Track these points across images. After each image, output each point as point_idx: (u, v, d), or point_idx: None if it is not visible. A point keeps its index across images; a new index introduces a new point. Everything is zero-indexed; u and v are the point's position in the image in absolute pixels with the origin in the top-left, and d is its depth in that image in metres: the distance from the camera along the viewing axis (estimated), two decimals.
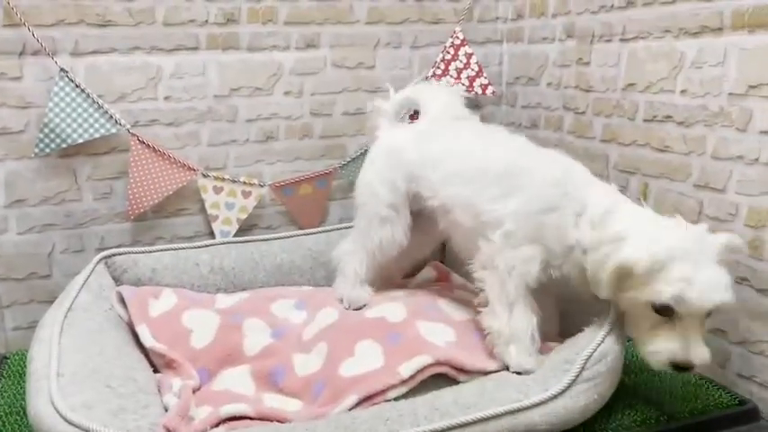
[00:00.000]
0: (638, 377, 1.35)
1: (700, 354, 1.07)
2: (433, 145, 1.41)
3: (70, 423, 0.91)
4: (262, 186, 1.77)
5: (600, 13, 1.59)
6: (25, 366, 1.48)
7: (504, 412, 1.05)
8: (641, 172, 1.52)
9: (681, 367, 1.08)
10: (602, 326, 1.17)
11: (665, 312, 1.07)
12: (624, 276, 1.10)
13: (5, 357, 1.57)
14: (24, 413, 1.28)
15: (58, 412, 0.93)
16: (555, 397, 1.09)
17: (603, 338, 1.14)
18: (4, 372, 1.49)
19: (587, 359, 1.11)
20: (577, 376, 1.10)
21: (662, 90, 1.44)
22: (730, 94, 1.29)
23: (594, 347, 1.13)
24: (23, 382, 1.41)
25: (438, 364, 1.22)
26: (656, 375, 1.36)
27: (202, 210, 1.76)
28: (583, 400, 1.10)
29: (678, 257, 1.05)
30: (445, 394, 1.13)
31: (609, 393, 1.16)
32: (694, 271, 1.05)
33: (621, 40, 1.54)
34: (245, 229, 1.79)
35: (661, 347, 1.09)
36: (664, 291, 1.05)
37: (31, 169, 1.60)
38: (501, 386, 1.14)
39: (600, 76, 1.62)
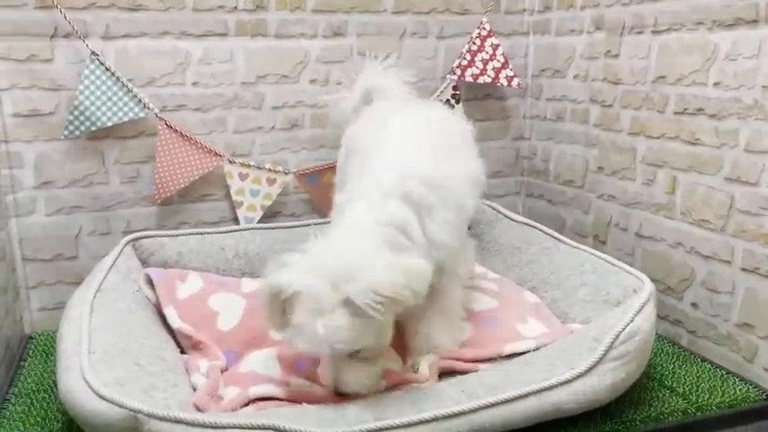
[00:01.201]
0: (664, 368, 1.35)
1: (350, 384, 1.07)
2: (355, 132, 1.41)
3: (103, 398, 0.92)
4: (286, 174, 1.78)
5: (631, 5, 1.58)
6: (51, 346, 1.51)
7: (530, 392, 1.05)
8: (670, 165, 1.51)
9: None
10: (634, 303, 1.17)
11: None
12: None
13: (31, 337, 1.58)
14: (52, 390, 1.30)
15: (90, 388, 0.94)
16: (581, 375, 1.09)
17: (633, 317, 1.14)
18: (30, 351, 1.51)
19: (615, 338, 1.11)
20: (605, 355, 1.10)
21: (694, 83, 1.43)
22: (764, 86, 1.27)
23: (623, 326, 1.12)
24: (50, 361, 1.44)
25: (454, 359, 1.23)
26: (682, 368, 1.36)
27: (227, 196, 1.76)
28: (610, 378, 1.10)
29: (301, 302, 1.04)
30: (470, 378, 1.13)
31: (637, 373, 1.16)
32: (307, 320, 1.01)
33: (653, 32, 1.52)
34: (269, 216, 1.79)
35: (324, 372, 1.12)
36: (287, 335, 1.08)
37: (60, 151, 1.61)
38: (525, 368, 1.14)
39: (629, 68, 1.61)
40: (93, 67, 1.56)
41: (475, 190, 1.27)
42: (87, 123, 1.57)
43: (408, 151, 1.21)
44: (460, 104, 1.91)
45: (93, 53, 1.56)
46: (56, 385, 1.30)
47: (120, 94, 1.59)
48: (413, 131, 1.27)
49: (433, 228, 1.14)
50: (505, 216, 1.75)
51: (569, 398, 1.08)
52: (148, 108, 1.63)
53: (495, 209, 1.80)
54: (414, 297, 1.00)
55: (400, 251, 1.07)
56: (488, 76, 1.89)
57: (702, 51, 1.40)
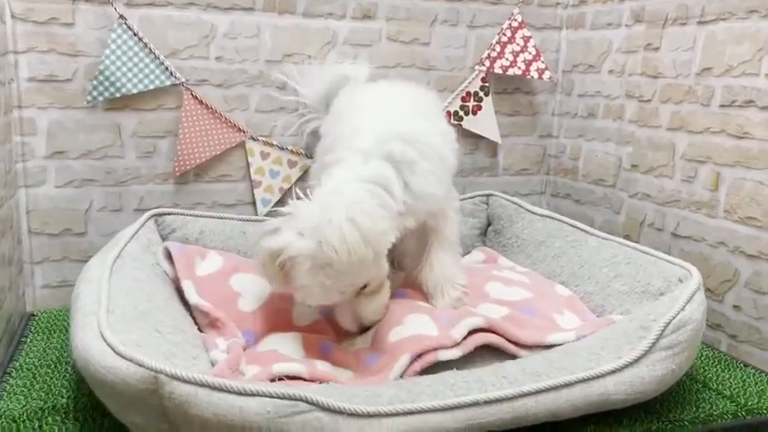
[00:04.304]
0: (707, 372, 1.28)
1: (368, 318, 1.18)
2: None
3: (121, 356, 0.84)
4: (309, 158, 1.71)
5: None
6: (54, 324, 1.45)
7: (577, 380, 0.98)
8: (713, 161, 1.44)
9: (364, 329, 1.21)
10: (683, 291, 1.10)
11: None
12: None
13: (33, 315, 1.50)
14: (55, 366, 1.23)
15: (108, 345, 0.86)
16: (629, 365, 1.02)
17: (684, 305, 1.07)
18: (32, 328, 1.43)
19: (665, 326, 1.04)
20: (654, 344, 1.03)
21: (744, 74, 1.37)
22: None
23: (674, 314, 1.06)
24: (53, 338, 1.37)
25: (490, 331, 1.15)
26: (725, 371, 1.28)
27: (245, 177, 1.69)
28: (660, 370, 1.03)
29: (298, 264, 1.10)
30: (510, 364, 1.06)
31: (687, 365, 1.10)
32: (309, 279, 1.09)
33: (699, 22, 1.47)
34: (286, 201, 1.72)
35: (340, 319, 1.20)
36: (296, 295, 1.14)
37: (74, 120, 1.54)
38: (568, 356, 1.07)
39: (671, 60, 1.55)
40: (120, 31, 1.49)
41: (451, 146, 1.33)
42: (112, 89, 1.50)
43: (382, 115, 1.27)
44: (489, 96, 1.85)
45: (120, 17, 1.49)
46: (60, 361, 1.24)
47: (147, 60, 1.53)
48: (383, 99, 1.36)
49: (417, 180, 1.19)
50: (527, 210, 1.67)
51: (616, 388, 1.01)
52: (175, 77, 1.56)
53: (515, 203, 1.72)
54: (373, 250, 1.06)
55: (382, 207, 1.12)
56: (518, 68, 1.83)
57: (754, 41, 1.34)
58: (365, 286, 1.12)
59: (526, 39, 1.84)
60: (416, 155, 1.20)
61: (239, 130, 1.64)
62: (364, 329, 1.20)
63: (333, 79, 1.58)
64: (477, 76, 1.83)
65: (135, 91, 1.52)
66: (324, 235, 1.03)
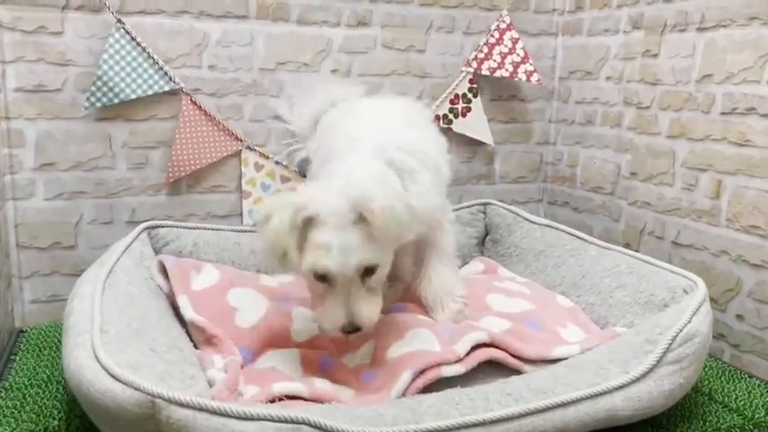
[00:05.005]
0: (712, 383, 1.26)
1: (364, 315, 1.06)
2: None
3: (116, 379, 0.80)
4: (303, 176, 1.67)
5: (675, 2, 1.51)
6: (44, 341, 1.41)
7: (584, 397, 0.96)
8: (714, 168, 1.43)
9: (349, 330, 1.08)
10: (689, 303, 1.08)
11: (324, 279, 1.06)
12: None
13: (22, 331, 1.47)
14: (46, 386, 1.19)
15: (102, 367, 0.82)
16: (637, 380, 1.00)
17: (690, 318, 1.06)
18: (22, 345, 1.39)
19: (672, 340, 1.03)
20: (661, 358, 1.02)
21: (745, 81, 1.35)
22: None
23: (681, 327, 1.04)
24: (43, 355, 1.33)
25: (494, 346, 1.13)
26: (729, 383, 1.26)
27: (238, 188, 1.66)
28: (668, 384, 1.02)
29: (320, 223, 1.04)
30: (515, 380, 1.04)
31: (695, 379, 1.08)
32: (331, 237, 1.03)
33: (698, 29, 1.45)
34: None
35: (327, 315, 1.07)
36: (306, 260, 1.04)
37: (64, 131, 1.50)
38: (575, 371, 1.05)
39: (670, 67, 1.53)
40: (117, 36, 1.46)
41: (445, 157, 1.33)
42: (110, 95, 1.47)
43: (379, 126, 1.27)
44: (479, 98, 1.82)
45: (118, 21, 1.47)
46: (51, 380, 1.21)
47: (146, 65, 1.50)
48: (378, 111, 1.36)
49: (417, 189, 1.17)
50: (525, 219, 1.65)
51: (624, 404, 0.99)
52: (174, 82, 1.53)
53: (513, 212, 1.70)
54: (414, 229, 1.07)
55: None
56: (506, 70, 1.81)
57: (755, 48, 1.33)
58: (372, 272, 1.07)
59: (514, 40, 1.81)
60: (417, 164, 1.19)
61: (236, 138, 1.62)
62: (357, 338, 1.14)
63: (323, 102, 1.55)
64: (464, 77, 1.81)
65: (134, 96, 1.50)
66: (367, 195, 1.01)
